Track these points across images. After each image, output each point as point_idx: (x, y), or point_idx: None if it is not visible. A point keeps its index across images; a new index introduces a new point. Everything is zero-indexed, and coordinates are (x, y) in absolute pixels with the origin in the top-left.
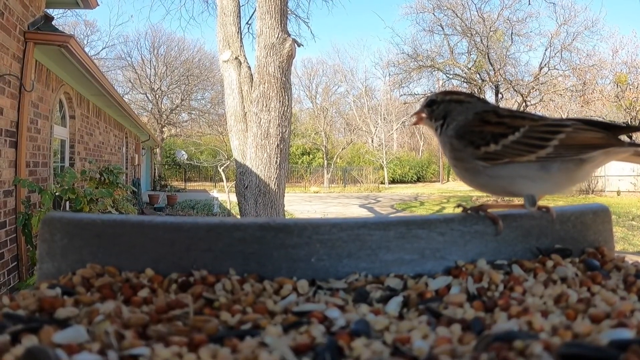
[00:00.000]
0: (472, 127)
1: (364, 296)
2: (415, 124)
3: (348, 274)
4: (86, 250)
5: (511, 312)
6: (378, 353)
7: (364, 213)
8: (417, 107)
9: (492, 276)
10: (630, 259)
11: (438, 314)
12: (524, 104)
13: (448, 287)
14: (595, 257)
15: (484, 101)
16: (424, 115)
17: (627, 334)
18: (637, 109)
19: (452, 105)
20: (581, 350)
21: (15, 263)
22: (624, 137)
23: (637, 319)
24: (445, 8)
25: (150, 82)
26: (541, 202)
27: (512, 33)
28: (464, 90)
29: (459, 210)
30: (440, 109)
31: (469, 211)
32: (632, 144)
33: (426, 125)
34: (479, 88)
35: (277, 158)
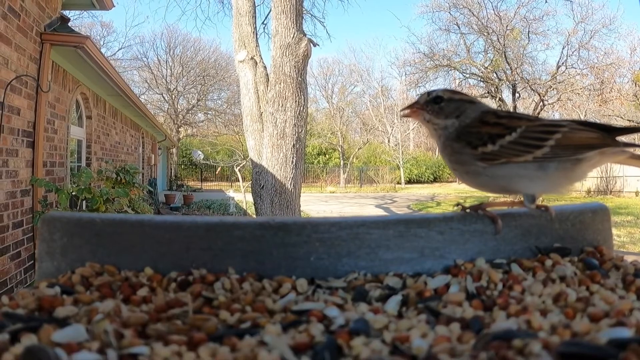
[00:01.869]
0: (470, 128)
1: (363, 295)
2: (407, 116)
3: (347, 273)
4: (85, 249)
5: (510, 311)
6: (377, 352)
7: (380, 213)
8: (416, 99)
9: (491, 275)
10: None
11: (437, 312)
12: (541, 103)
13: (447, 285)
14: (594, 256)
15: (484, 103)
16: (422, 110)
17: (626, 332)
18: None
19: (466, 105)
20: (580, 349)
21: (32, 262)
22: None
23: (636, 317)
24: (462, 6)
25: (167, 82)
26: (546, 201)
27: (528, 31)
28: (481, 89)
29: (457, 209)
30: (451, 107)
31: (467, 210)
32: (628, 145)
33: (421, 121)
34: (496, 87)
35: (293, 158)
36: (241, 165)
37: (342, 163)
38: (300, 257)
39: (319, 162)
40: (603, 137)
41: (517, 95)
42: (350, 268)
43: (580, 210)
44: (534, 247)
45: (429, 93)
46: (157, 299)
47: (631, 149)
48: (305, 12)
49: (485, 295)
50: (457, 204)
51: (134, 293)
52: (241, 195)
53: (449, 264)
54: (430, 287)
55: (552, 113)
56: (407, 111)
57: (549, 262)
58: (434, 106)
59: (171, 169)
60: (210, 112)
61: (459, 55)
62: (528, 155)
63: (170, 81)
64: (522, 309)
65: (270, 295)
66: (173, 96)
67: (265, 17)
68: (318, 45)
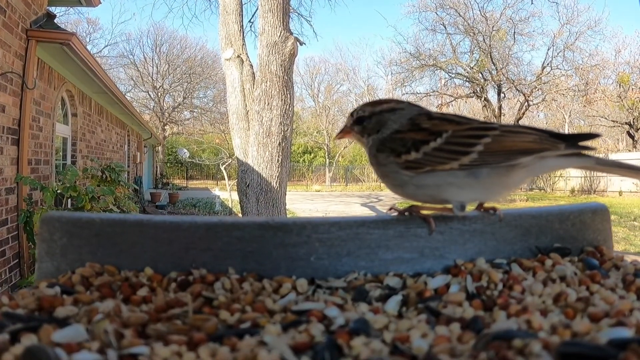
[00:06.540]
0: (396, 134)
1: (363, 295)
2: (341, 137)
3: (347, 273)
4: (85, 249)
5: (510, 311)
6: (377, 352)
7: (366, 212)
8: (344, 121)
9: (491, 275)
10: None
11: (437, 312)
12: (526, 103)
13: (447, 285)
14: (594, 256)
15: (417, 106)
16: (352, 131)
17: (626, 332)
18: None
19: (385, 116)
20: (580, 349)
21: (17, 260)
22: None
23: (636, 317)
24: (448, 7)
25: (153, 80)
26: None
27: (514, 32)
28: (467, 89)
29: (392, 212)
30: (372, 123)
31: (405, 213)
32: (571, 146)
33: (355, 140)
34: (482, 87)
35: (279, 156)
36: (227, 163)
37: (327, 162)
38: (300, 257)
39: (304, 160)
40: (541, 141)
41: (502, 95)
42: (350, 268)
43: (580, 210)
44: (534, 247)
45: (352, 114)
46: (157, 299)
47: (585, 153)
48: (292, 10)
49: (485, 295)
50: (391, 208)
51: (134, 293)
52: (227, 194)
53: (449, 264)
54: (430, 287)
55: (537, 113)
56: (340, 134)
57: (549, 262)
58: (358, 126)
59: (157, 167)
60: (196, 110)
61: (445, 55)
62: (453, 162)
63: (157, 79)
64: (522, 309)
65: (270, 295)
66: (159, 94)
67: (252, 15)
68: (304, 44)
